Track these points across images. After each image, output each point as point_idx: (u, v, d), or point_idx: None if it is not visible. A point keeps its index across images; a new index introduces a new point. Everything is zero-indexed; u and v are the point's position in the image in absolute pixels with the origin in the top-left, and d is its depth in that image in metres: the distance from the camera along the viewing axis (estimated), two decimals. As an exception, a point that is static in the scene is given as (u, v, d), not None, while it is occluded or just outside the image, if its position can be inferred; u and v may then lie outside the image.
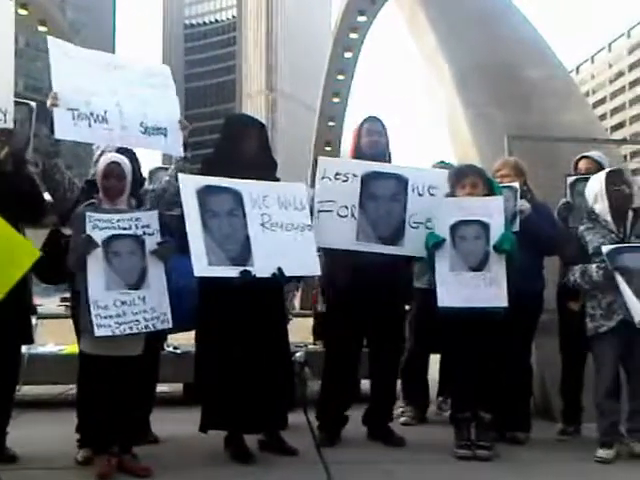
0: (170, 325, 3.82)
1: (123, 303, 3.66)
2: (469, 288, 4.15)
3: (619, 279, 4.08)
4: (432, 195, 4.51)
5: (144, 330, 3.71)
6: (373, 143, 4.64)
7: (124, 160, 3.93)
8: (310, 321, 7.23)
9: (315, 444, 4.41)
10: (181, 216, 3.90)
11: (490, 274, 4.16)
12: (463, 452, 4.13)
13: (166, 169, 4.60)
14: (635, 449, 4.17)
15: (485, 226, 4.21)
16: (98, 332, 3.56)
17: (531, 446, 4.52)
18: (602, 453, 4.11)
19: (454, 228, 4.24)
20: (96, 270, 3.65)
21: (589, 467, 4.01)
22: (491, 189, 4.37)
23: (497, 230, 4.19)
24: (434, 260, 4.24)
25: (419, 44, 9.20)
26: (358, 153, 4.64)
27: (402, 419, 5.18)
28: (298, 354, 5.77)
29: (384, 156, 4.66)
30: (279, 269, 3.97)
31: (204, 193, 3.96)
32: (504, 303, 4.09)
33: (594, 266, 4.18)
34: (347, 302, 4.43)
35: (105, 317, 3.58)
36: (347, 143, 5.08)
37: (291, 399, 4.35)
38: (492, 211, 4.23)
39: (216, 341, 4.01)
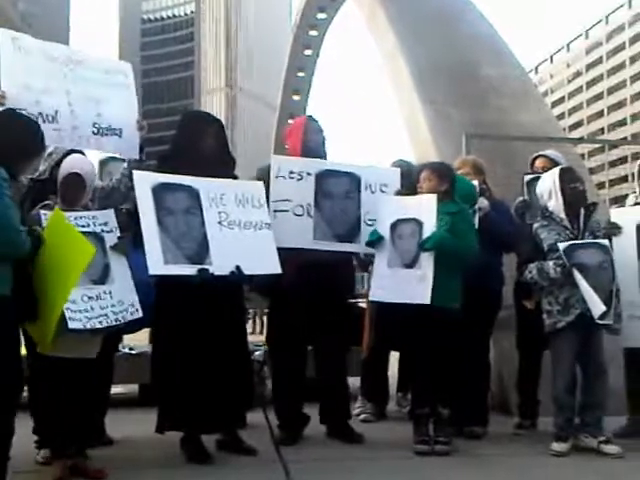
0: (140, 314, 3.77)
1: (90, 298, 3.61)
2: (399, 284, 4.24)
3: (577, 275, 4.14)
4: (384, 192, 4.59)
5: (114, 323, 3.68)
6: (320, 142, 4.67)
7: (85, 167, 3.86)
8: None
9: (274, 443, 4.39)
10: (130, 211, 3.84)
11: (419, 271, 4.21)
12: (422, 447, 4.15)
13: (117, 159, 4.51)
14: (590, 443, 4.24)
15: (420, 224, 4.26)
16: (71, 325, 3.49)
17: (488, 440, 4.58)
18: (557, 447, 4.18)
19: (394, 226, 4.32)
20: None
21: (544, 460, 4.08)
22: (454, 184, 4.39)
23: (429, 228, 4.22)
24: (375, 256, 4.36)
25: (378, 42, 9.22)
26: (306, 151, 4.60)
27: (362, 416, 5.19)
28: (257, 353, 5.75)
29: (326, 155, 4.70)
30: (237, 267, 3.94)
31: (160, 190, 3.91)
32: (427, 301, 4.11)
33: (551, 263, 4.23)
34: (290, 301, 4.42)
35: (75, 311, 3.52)
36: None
37: (250, 398, 4.33)
38: (424, 209, 4.27)
39: (173, 341, 3.96)
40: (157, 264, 3.75)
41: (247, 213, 4.15)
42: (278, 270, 4.11)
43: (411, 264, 4.25)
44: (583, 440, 4.27)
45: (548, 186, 4.42)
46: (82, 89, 4.07)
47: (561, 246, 4.22)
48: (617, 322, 4.29)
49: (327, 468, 3.91)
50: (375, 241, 4.33)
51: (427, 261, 4.20)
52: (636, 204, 4.89)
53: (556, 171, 4.45)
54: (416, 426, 4.27)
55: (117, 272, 3.75)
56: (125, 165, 4.17)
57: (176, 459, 3.97)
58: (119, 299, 3.71)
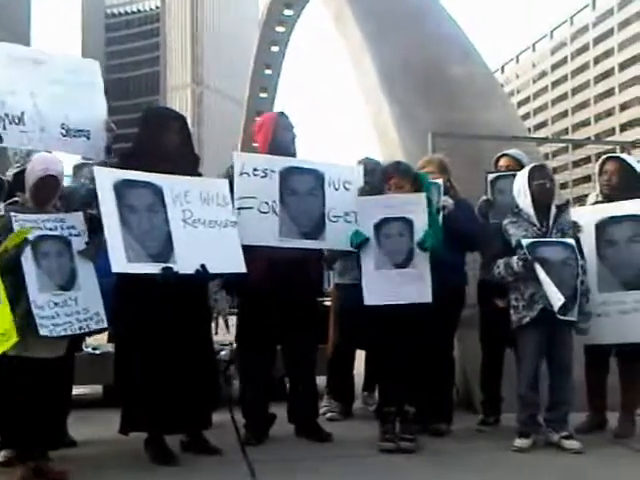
0: (105, 325, 3.77)
1: (56, 304, 3.59)
2: (394, 285, 4.21)
3: (539, 269, 4.19)
4: (347, 190, 4.59)
5: (78, 332, 3.67)
6: (291, 139, 4.65)
7: (58, 168, 3.80)
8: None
9: (240, 443, 4.38)
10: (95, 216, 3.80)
11: (415, 270, 4.22)
12: (387, 445, 4.18)
13: (92, 164, 4.46)
14: (552, 438, 4.30)
15: (409, 223, 4.26)
16: (42, 332, 3.48)
17: (453, 437, 4.62)
18: (519, 442, 4.23)
19: (378, 226, 4.29)
20: (30, 271, 3.55)
21: (506, 456, 4.13)
22: (420, 185, 4.42)
23: (420, 227, 4.24)
24: (360, 258, 4.28)
25: (345, 41, 9.23)
26: (275, 148, 4.58)
27: (328, 415, 5.19)
28: (223, 352, 5.72)
29: (295, 152, 4.68)
30: (202, 266, 3.91)
31: (122, 187, 3.85)
32: (428, 299, 4.16)
33: (515, 257, 4.28)
34: (259, 299, 4.40)
35: (43, 317, 3.51)
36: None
37: (215, 398, 4.31)
38: (415, 208, 4.28)
39: (136, 341, 3.91)
40: (120, 262, 3.70)
41: (212, 211, 4.12)
42: (243, 269, 4.09)
43: (403, 264, 4.26)
44: (546, 435, 4.33)
45: (519, 183, 4.48)
46: (49, 89, 4.01)
47: (524, 242, 4.26)
48: (585, 321, 4.36)
49: (293, 467, 3.90)
50: (362, 243, 4.27)
51: (422, 259, 4.23)
52: (596, 203, 4.95)
53: (527, 169, 4.50)
54: (382, 424, 4.30)
55: (84, 278, 3.73)
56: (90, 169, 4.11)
57: (140, 460, 3.93)
58: (84, 307, 3.68)
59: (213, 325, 8.48)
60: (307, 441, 4.45)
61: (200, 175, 4.34)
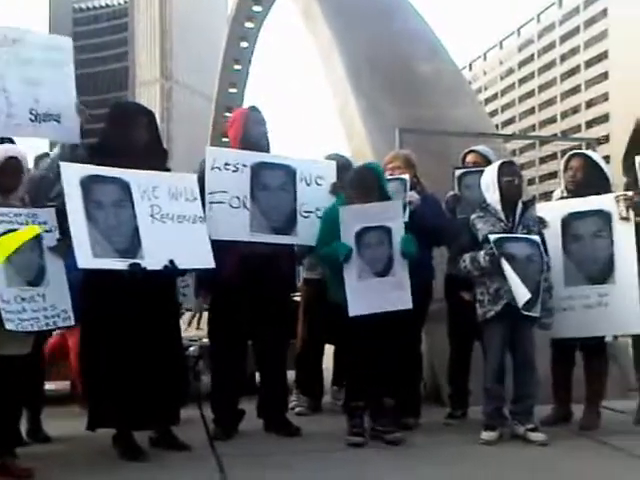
0: (72, 322, 3.75)
1: (23, 299, 3.56)
2: (376, 293, 4.24)
3: (505, 265, 4.24)
4: (319, 185, 4.62)
5: (44, 328, 3.65)
6: (263, 134, 4.63)
7: (22, 153, 3.76)
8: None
9: (209, 438, 4.37)
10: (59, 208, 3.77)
11: (395, 278, 4.27)
12: (355, 439, 4.20)
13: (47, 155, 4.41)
14: (517, 431, 4.35)
15: (387, 231, 4.29)
16: (7, 326, 3.45)
17: (421, 431, 4.65)
18: (486, 435, 4.28)
19: (358, 236, 4.29)
20: None
21: (473, 449, 4.17)
22: (383, 188, 4.44)
23: (398, 233, 4.28)
24: (337, 266, 4.29)
25: (314, 36, 9.23)
26: (246, 142, 4.58)
27: (297, 409, 5.20)
28: (192, 348, 5.72)
29: (269, 147, 4.67)
30: (171, 261, 3.90)
31: (88, 183, 3.83)
32: (409, 305, 4.22)
33: (482, 252, 4.33)
34: (230, 295, 4.40)
35: (9, 312, 3.47)
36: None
37: (184, 394, 4.30)
38: (392, 215, 4.31)
39: (103, 336, 3.89)
40: (86, 258, 3.67)
41: (180, 206, 4.10)
42: (212, 264, 4.08)
43: (383, 272, 4.28)
44: (512, 428, 4.39)
45: (488, 179, 4.52)
46: (18, 72, 3.95)
47: (491, 237, 4.31)
48: (547, 317, 4.42)
49: (262, 462, 3.90)
50: (348, 255, 4.24)
51: (402, 267, 4.28)
52: (561, 199, 5.02)
53: (496, 165, 4.54)
54: (350, 418, 4.32)
55: (52, 275, 3.70)
56: (57, 150, 4.07)
57: (108, 456, 3.91)
58: (52, 303, 3.66)
59: (195, 320, 8.48)
60: (276, 436, 4.46)
61: (168, 170, 4.33)
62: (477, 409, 4.63)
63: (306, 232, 4.51)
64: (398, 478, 3.61)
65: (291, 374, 5.31)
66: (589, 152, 5.27)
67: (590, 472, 3.72)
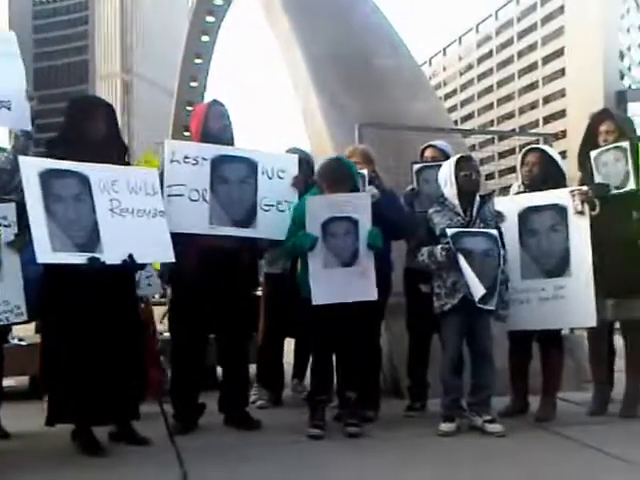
0: (25, 318, 3.71)
1: None
2: (341, 284, 4.25)
3: (461, 259, 4.30)
4: (281, 178, 4.61)
5: None
6: (223, 127, 4.60)
7: None
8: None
9: (169, 433, 4.36)
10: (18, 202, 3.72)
11: (361, 268, 4.29)
12: (315, 432, 4.23)
13: (2, 149, 4.34)
14: (475, 422, 4.42)
15: (354, 222, 4.31)
16: None
17: (380, 423, 4.69)
18: (444, 427, 4.33)
19: (325, 225, 4.30)
20: None
21: (432, 440, 4.22)
22: (355, 180, 4.48)
23: (365, 225, 4.31)
24: (306, 258, 4.31)
25: (274, 30, 9.19)
26: (206, 136, 4.56)
27: (257, 403, 5.22)
28: (153, 342, 5.66)
29: (232, 140, 4.66)
30: (130, 256, 3.88)
31: (47, 176, 3.78)
32: (374, 296, 4.25)
33: (439, 247, 4.38)
34: (192, 289, 4.38)
35: None
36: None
37: (144, 389, 4.28)
38: (360, 207, 4.33)
39: (62, 331, 3.85)
40: (45, 252, 3.63)
41: (140, 200, 4.08)
42: (172, 259, 4.08)
43: (349, 262, 4.30)
44: (470, 419, 4.45)
45: (445, 173, 4.56)
46: None
47: (449, 232, 4.36)
48: (504, 309, 4.49)
49: (222, 455, 3.90)
50: (313, 244, 4.26)
51: (367, 257, 4.30)
52: (518, 193, 5.10)
53: (453, 159, 4.58)
54: (312, 411, 4.34)
55: (7, 270, 3.68)
56: (12, 143, 4.02)
57: (67, 452, 3.89)
58: (5, 299, 3.65)
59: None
60: (236, 429, 4.46)
61: (128, 164, 4.31)
62: (436, 401, 4.67)
63: (267, 225, 4.51)
64: (357, 469, 3.64)
65: (252, 368, 5.33)
66: (545, 147, 5.35)
67: (545, 462, 3.78)
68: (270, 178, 4.58)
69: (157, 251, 4.11)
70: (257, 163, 4.56)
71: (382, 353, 5.09)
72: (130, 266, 3.93)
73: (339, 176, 4.42)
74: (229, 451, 3.99)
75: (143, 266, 4.36)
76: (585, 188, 4.74)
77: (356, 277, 4.27)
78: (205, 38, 37.92)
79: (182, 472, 3.55)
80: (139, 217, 4.05)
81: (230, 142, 4.62)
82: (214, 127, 4.57)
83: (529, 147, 5.16)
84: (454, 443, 4.19)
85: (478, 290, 4.26)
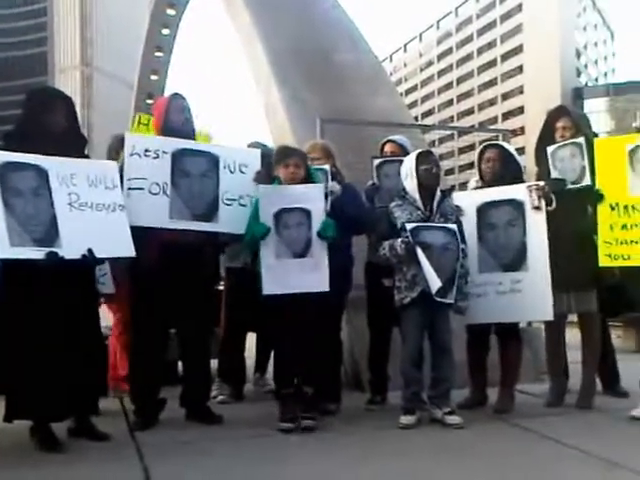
0: None
1: None
2: (293, 274, 4.26)
3: (419, 252, 4.35)
4: (243, 173, 4.61)
5: None
6: (184, 121, 4.57)
7: None
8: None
9: (129, 428, 4.33)
10: None
11: (313, 260, 4.30)
12: (287, 425, 4.23)
13: None
14: (435, 414, 4.47)
15: (307, 213, 4.32)
16: None
17: (341, 416, 4.72)
18: (404, 420, 4.37)
19: (277, 216, 4.30)
20: None
21: (392, 433, 4.26)
22: (309, 172, 4.50)
23: (318, 217, 4.32)
24: (259, 248, 4.30)
25: (235, 24, 9.15)
26: (166, 130, 4.53)
27: (219, 398, 5.20)
28: (112, 338, 5.61)
29: (193, 134, 4.63)
30: (89, 250, 3.84)
31: (5, 170, 3.72)
32: (326, 288, 4.26)
33: (399, 240, 4.41)
34: (151, 283, 4.34)
35: None
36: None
37: (103, 384, 4.25)
38: (313, 198, 4.35)
39: (19, 326, 3.80)
40: (2, 247, 3.58)
41: (99, 194, 4.04)
42: (132, 253, 4.05)
43: (302, 253, 4.30)
44: (432, 412, 4.50)
45: (407, 167, 4.60)
46: None
47: (408, 226, 4.40)
48: (462, 300, 4.53)
49: (183, 450, 3.89)
50: (265, 234, 4.27)
51: (320, 249, 4.31)
52: (477, 188, 5.17)
53: (414, 154, 4.62)
54: (282, 406, 4.35)
55: None
56: None
57: (26, 448, 3.84)
58: None
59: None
60: (198, 424, 4.45)
61: (87, 157, 4.26)
62: (396, 394, 4.71)
63: (228, 220, 4.50)
64: (318, 463, 3.65)
65: (213, 362, 5.31)
66: (503, 143, 5.43)
67: (503, 453, 3.84)
68: (232, 172, 4.57)
69: (117, 246, 4.06)
70: (219, 157, 4.55)
71: (343, 347, 5.11)
72: (89, 261, 3.88)
73: (288, 150, 4.51)
74: (190, 446, 3.97)
75: (103, 261, 4.31)
76: (542, 183, 4.81)
77: (308, 268, 4.28)
78: (166, 31, 37.54)
79: (142, 467, 3.53)
80: (98, 211, 4.01)
81: (191, 136, 4.60)
82: (174, 121, 4.54)
83: (487, 143, 5.23)
84: (414, 435, 4.23)
85: (435, 283, 4.31)
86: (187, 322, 4.51)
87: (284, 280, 4.25)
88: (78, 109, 4.36)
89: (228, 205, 4.52)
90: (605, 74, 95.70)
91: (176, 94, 4.68)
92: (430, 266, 4.31)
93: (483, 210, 4.89)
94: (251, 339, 5.66)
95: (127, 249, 4.04)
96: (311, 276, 4.27)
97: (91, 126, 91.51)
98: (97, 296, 4.49)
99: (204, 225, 4.47)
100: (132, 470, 3.49)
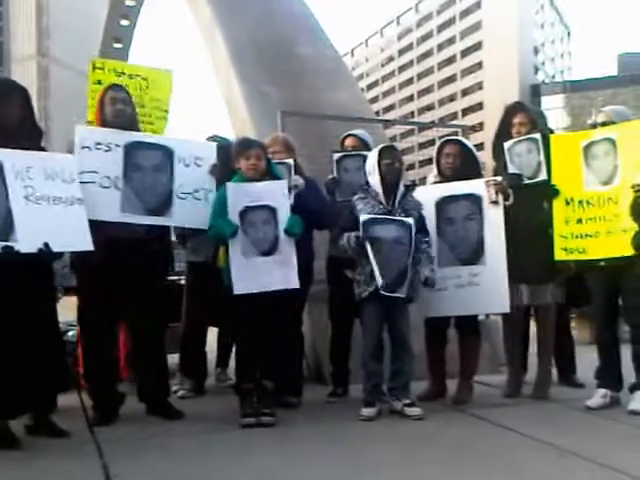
0: None
1: None
2: (262, 273, 4.24)
3: (367, 247, 4.38)
4: (198, 166, 4.57)
5: None
6: (118, 112, 4.44)
7: None
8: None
9: (88, 425, 4.28)
10: None
11: (281, 257, 4.29)
12: (248, 420, 4.22)
13: None
14: (395, 406, 4.52)
15: (272, 210, 4.31)
16: None
17: (303, 409, 4.74)
18: (365, 412, 4.41)
19: (243, 214, 4.28)
20: None
21: (353, 425, 4.29)
22: (270, 165, 4.49)
23: (284, 214, 4.31)
24: (225, 244, 4.28)
25: (195, 16, 9.07)
26: (102, 123, 4.46)
27: (180, 392, 5.17)
28: (71, 333, 5.54)
29: (130, 126, 4.50)
30: (46, 244, 3.78)
31: (-42, 163, 3.64)
32: (295, 285, 4.27)
33: (353, 234, 4.44)
34: (99, 277, 4.27)
35: None
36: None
37: (61, 380, 4.18)
38: (278, 195, 4.33)
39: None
40: None
41: (56, 188, 3.97)
42: (90, 247, 3.99)
43: (269, 251, 4.28)
44: (391, 404, 4.54)
45: (370, 162, 4.62)
46: None
47: (362, 218, 4.43)
48: (414, 291, 4.56)
49: (142, 446, 3.86)
50: (235, 233, 4.23)
51: (288, 246, 4.29)
52: (435, 183, 5.22)
53: (377, 149, 4.64)
54: (242, 400, 4.34)
55: None
56: None
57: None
58: None
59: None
60: (158, 419, 4.42)
61: (44, 150, 4.18)
62: (357, 387, 4.75)
63: (183, 214, 4.46)
64: (279, 456, 3.66)
65: (175, 357, 5.28)
66: (462, 139, 5.48)
67: (462, 442, 3.90)
68: (187, 166, 4.52)
69: (74, 239, 4.00)
70: (173, 150, 4.50)
71: (305, 340, 5.12)
72: (46, 255, 3.83)
73: (249, 142, 4.52)
74: (150, 442, 3.94)
75: (60, 255, 4.24)
76: (499, 178, 4.88)
77: (277, 266, 4.28)
78: (125, 22, 37.08)
79: (102, 464, 3.50)
80: (55, 205, 3.94)
81: (126, 128, 4.45)
82: (106, 113, 4.45)
83: (446, 139, 5.27)
84: (375, 427, 4.27)
85: (379, 280, 4.35)
86: (137, 317, 4.45)
87: (254, 279, 4.23)
88: (34, 100, 4.28)
89: (182, 199, 4.47)
90: (562, 71, 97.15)
91: (111, 85, 4.60)
92: (376, 263, 4.34)
93: (442, 205, 4.94)
94: (212, 334, 5.64)
95: (85, 243, 3.98)
96: (280, 274, 4.26)
97: (48, 117, 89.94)
98: (54, 291, 4.42)
99: (157, 219, 4.41)
100: (91, 467, 3.45)
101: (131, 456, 3.68)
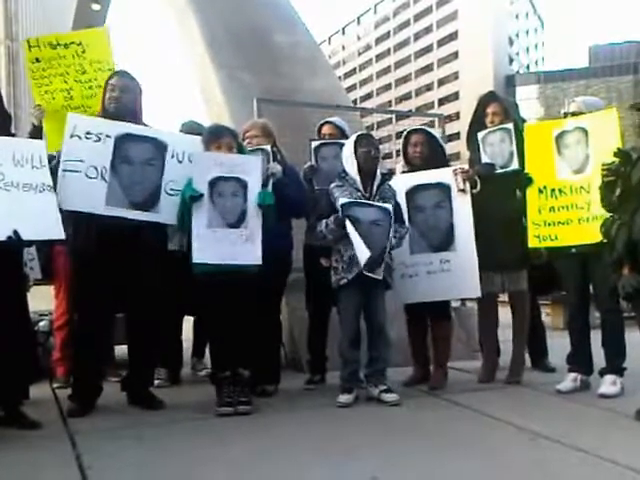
0: None
1: None
2: (225, 245, 4.17)
3: (348, 225, 4.36)
4: (192, 163, 4.38)
5: None
6: (112, 99, 4.38)
7: None
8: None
9: (61, 415, 4.23)
10: None
11: (247, 231, 4.23)
12: (225, 409, 4.19)
13: None
14: (372, 392, 4.53)
15: (243, 183, 4.25)
16: None
17: (280, 397, 4.74)
18: (343, 398, 4.42)
19: (212, 184, 4.21)
20: None
21: (331, 411, 4.30)
22: (242, 153, 4.46)
23: (255, 188, 4.27)
24: (190, 215, 4.19)
25: (170, 2, 8.98)
26: (103, 111, 4.39)
27: (156, 382, 5.11)
28: (42, 323, 5.49)
29: (132, 115, 4.41)
30: (15, 232, 3.70)
31: None
32: (258, 261, 4.20)
33: (332, 216, 4.43)
34: (92, 268, 4.20)
35: None
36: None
37: (32, 371, 4.12)
38: (251, 169, 4.28)
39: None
40: None
41: (26, 174, 3.88)
42: (61, 235, 3.90)
43: (236, 224, 4.22)
44: (369, 390, 4.56)
45: (348, 150, 4.61)
46: None
47: (340, 201, 4.42)
48: (389, 276, 4.58)
49: (118, 436, 3.80)
50: (198, 197, 4.15)
51: (255, 220, 4.23)
52: (403, 172, 5.21)
53: (354, 136, 4.63)
54: (218, 389, 4.31)
55: None
56: None
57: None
58: None
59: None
60: (134, 409, 4.37)
61: (13, 135, 4.10)
62: (335, 374, 4.76)
63: (170, 210, 4.32)
64: (256, 444, 3.64)
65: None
66: (427, 128, 5.45)
67: (436, 427, 3.94)
68: (180, 162, 4.38)
69: (45, 228, 3.90)
70: (167, 145, 4.37)
71: (282, 328, 5.12)
72: (15, 243, 3.75)
73: (220, 129, 4.46)
74: (125, 432, 3.89)
75: (30, 243, 4.17)
76: (466, 167, 4.97)
77: (241, 240, 4.20)
78: (96, 7, 36.61)
79: (75, 454, 3.44)
80: (25, 191, 3.86)
81: (130, 116, 4.37)
82: (105, 100, 4.40)
83: (412, 128, 5.28)
84: (352, 413, 4.28)
85: (363, 254, 4.32)
86: (133, 306, 4.40)
87: (216, 249, 4.15)
88: (3, 86, 4.23)
89: (171, 195, 4.33)
90: (536, 62, 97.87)
91: (116, 72, 4.53)
92: (358, 236, 4.33)
93: (412, 193, 4.99)
94: (188, 323, 5.60)
95: (56, 231, 3.89)
96: (244, 248, 4.19)
97: (17, 102, 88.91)
98: (24, 280, 4.34)
99: (142, 214, 4.28)
100: (64, 457, 3.40)
101: (105, 446, 3.62)
